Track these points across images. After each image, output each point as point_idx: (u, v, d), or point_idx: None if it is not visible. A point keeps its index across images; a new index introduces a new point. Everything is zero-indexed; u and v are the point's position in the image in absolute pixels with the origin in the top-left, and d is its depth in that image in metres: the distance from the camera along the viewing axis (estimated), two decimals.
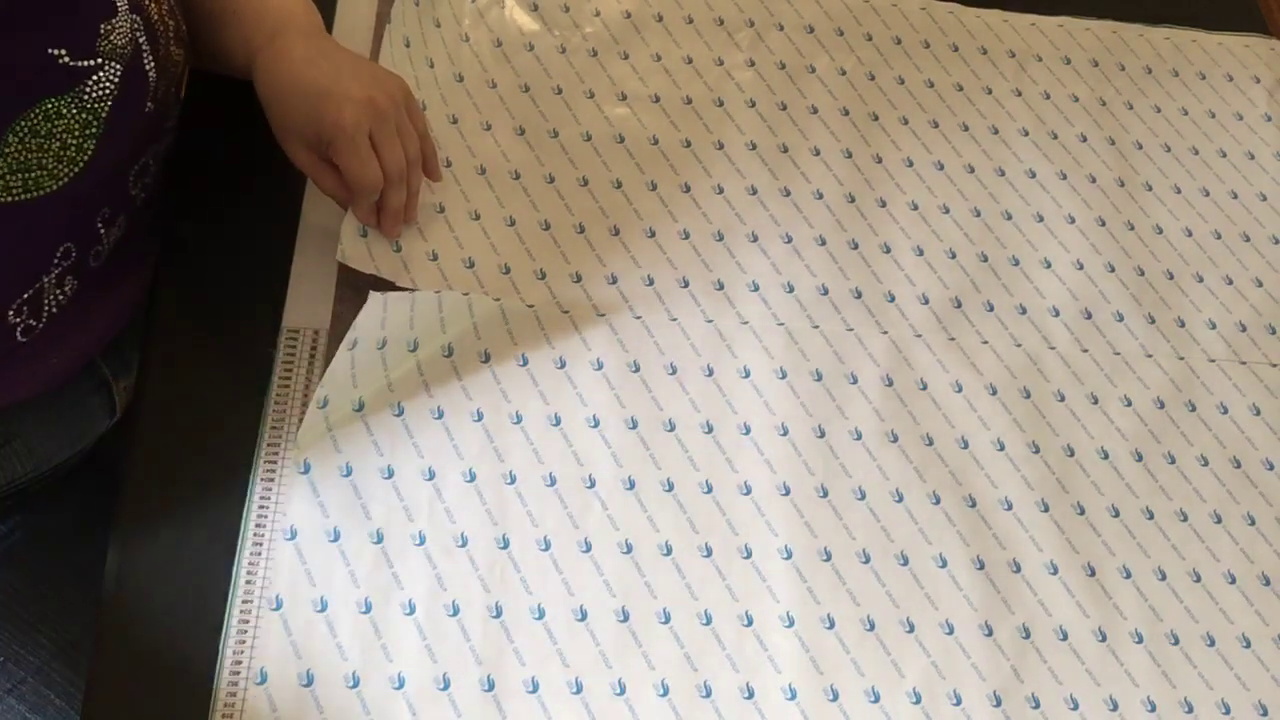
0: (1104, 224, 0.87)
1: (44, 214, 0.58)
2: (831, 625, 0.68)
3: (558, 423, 0.72)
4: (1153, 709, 0.69)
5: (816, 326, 0.79)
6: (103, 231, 0.65)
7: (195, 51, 0.72)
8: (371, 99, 0.68)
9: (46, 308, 0.63)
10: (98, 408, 0.77)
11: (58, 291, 0.63)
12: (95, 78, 0.58)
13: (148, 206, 0.70)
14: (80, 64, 0.57)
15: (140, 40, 0.61)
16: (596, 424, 0.73)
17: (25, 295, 0.61)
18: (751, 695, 0.66)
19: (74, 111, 0.57)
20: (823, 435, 0.75)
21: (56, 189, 0.58)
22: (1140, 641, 0.71)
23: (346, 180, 0.69)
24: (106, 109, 0.58)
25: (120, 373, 0.77)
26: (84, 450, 0.78)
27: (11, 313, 0.61)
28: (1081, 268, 0.85)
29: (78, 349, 0.70)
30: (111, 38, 0.58)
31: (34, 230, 0.59)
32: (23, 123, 0.56)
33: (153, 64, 0.62)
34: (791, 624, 0.68)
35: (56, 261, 0.62)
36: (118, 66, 0.59)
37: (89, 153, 0.58)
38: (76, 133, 0.57)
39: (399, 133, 0.70)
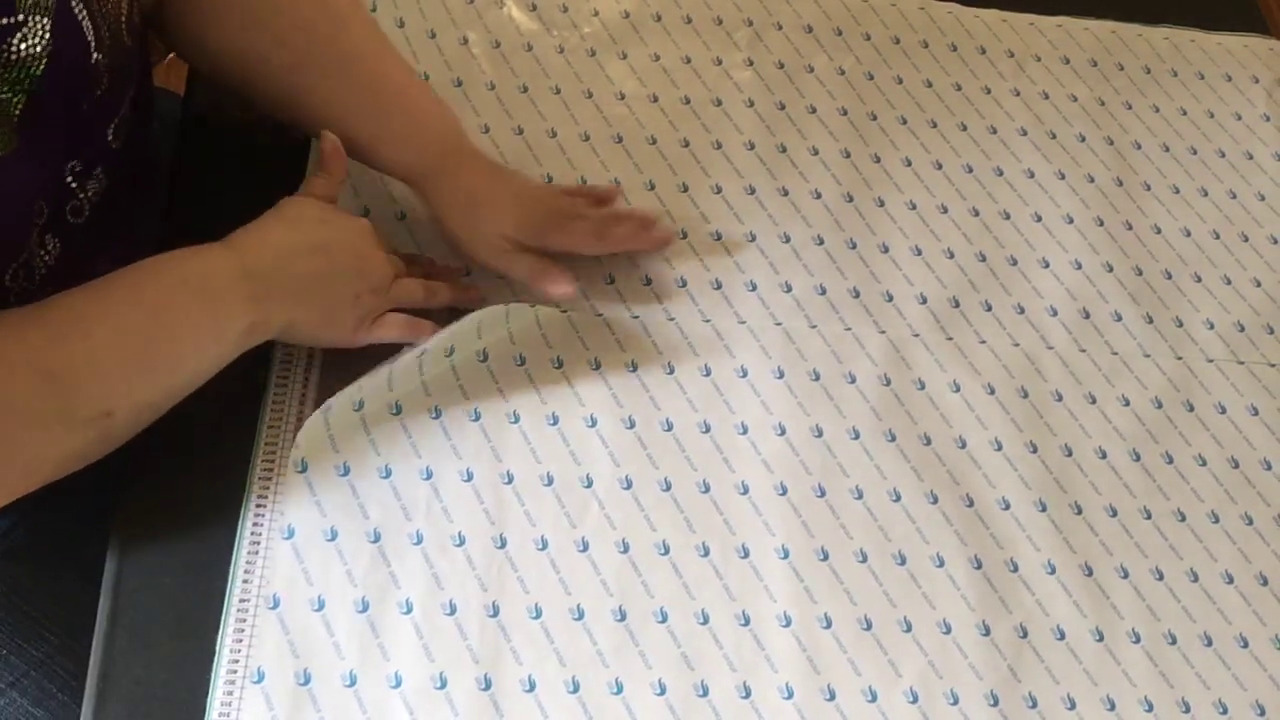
0: (1102, 224, 0.87)
1: (4, 177, 0.56)
2: (829, 624, 0.69)
3: (555, 422, 0.72)
4: (1150, 709, 0.69)
5: (814, 326, 0.79)
6: (74, 185, 0.63)
7: (349, 139, 0.73)
8: (544, 191, 0.78)
9: (36, 269, 0.62)
10: None
11: (41, 251, 0.62)
12: (20, 34, 0.55)
13: (129, 154, 0.68)
14: (1, 22, 0.55)
15: None
16: (594, 423, 0.73)
17: (19, 260, 0.60)
18: (748, 694, 0.66)
19: (1, 70, 0.55)
20: (820, 435, 0.75)
21: (7, 152, 0.56)
22: (1138, 641, 0.71)
23: (576, 245, 0.76)
24: (41, 65, 0.56)
25: None
26: None
27: (8, 277, 0.61)
28: (1079, 267, 0.85)
29: None
30: None
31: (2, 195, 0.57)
32: None
33: (84, 11, 0.59)
34: (789, 623, 0.68)
35: (34, 221, 0.60)
36: (44, 20, 0.56)
37: (19, 108, 0.56)
38: (6, 91, 0.55)
39: (576, 210, 0.77)
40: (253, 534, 0.66)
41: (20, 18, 0.55)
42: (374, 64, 0.74)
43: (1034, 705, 0.68)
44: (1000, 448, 0.76)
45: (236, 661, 0.63)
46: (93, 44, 0.60)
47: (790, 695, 0.66)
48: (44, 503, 0.74)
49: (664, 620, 0.67)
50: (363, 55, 0.74)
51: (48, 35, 0.57)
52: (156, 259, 0.63)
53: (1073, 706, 0.68)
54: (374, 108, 0.73)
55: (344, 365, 0.71)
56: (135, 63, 0.67)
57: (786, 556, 0.70)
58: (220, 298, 0.63)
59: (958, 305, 0.81)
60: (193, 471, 0.68)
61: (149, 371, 0.61)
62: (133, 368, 0.61)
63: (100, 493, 0.67)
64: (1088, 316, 0.83)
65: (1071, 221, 0.87)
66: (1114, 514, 0.75)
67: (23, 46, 0.56)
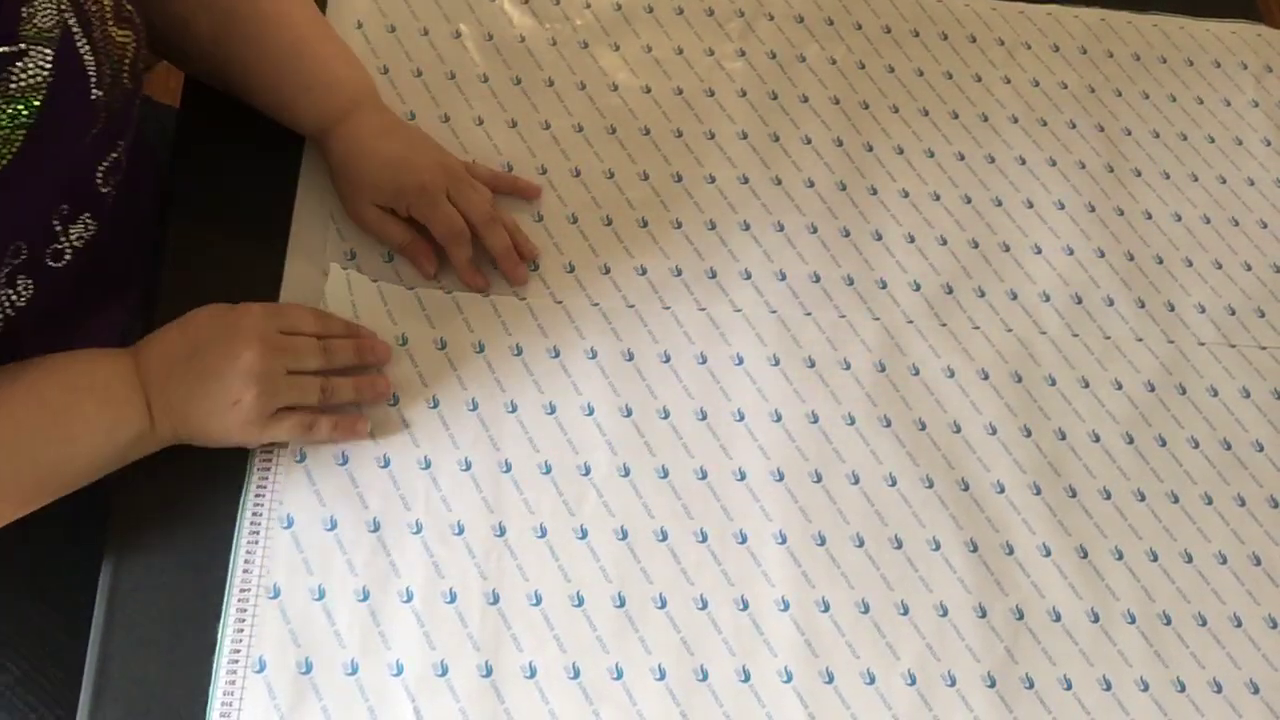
0: (1093, 209, 0.88)
1: None
2: (826, 609, 0.69)
3: (552, 411, 0.73)
4: (1146, 688, 0.70)
5: (809, 313, 0.79)
6: (58, 228, 0.62)
7: (251, 96, 0.77)
8: (443, 163, 0.76)
9: (2, 309, 0.60)
10: None
11: (10, 292, 0.60)
12: (20, 64, 0.55)
13: (123, 206, 0.68)
14: (1, 50, 0.54)
15: (70, 22, 0.58)
16: (591, 412, 0.73)
17: None
18: (748, 678, 0.66)
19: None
20: (816, 421, 0.75)
21: None
22: (1133, 622, 0.72)
23: (438, 233, 0.75)
24: (40, 97, 0.56)
25: None
26: None
27: None
28: (1071, 253, 0.85)
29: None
30: (35, 20, 0.55)
31: None
32: None
33: (88, 46, 0.59)
34: (787, 608, 0.69)
35: (7, 260, 0.59)
36: (47, 51, 0.56)
37: (17, 144, 0.55)
38: (5, 124, 0.55)
39: (471, 187, 0.77)
40: (252, 524, 0.66)
41: (22, 46, 0.55)
42: (292, 28, 0.77)
43: (1031, 686, 0.69)
44: (995, 432, 0.77)
45: (238, 651, 0.63)
46: (94, 80, 0.60)
47: (789, 679, 0.67)
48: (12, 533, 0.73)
49: (663, 606, 0.68)
50: (280, 18, 0.76)
51: (48, 68, 0.56)
52: (58, 358, 0.64)
53: (1069, 687, 0.69)
54: (292, 70, 0.76)
55: None
56: (133, 108, 0.66)
57: (784, 542, 0.71)
58: (119, 405, 0.64)
59: (951, 291, 0.82)
60: (191, 462, 0.68)
61: (39, 468, 0.62)
62: (24, 463, 0.61)
63: (61, 526, 0.66)
64: (1080, 301, 0.83)
65: (1063, 207, 0.87)
66: (1108, 496, 0.76)
67: (23, 76, 0.55)
